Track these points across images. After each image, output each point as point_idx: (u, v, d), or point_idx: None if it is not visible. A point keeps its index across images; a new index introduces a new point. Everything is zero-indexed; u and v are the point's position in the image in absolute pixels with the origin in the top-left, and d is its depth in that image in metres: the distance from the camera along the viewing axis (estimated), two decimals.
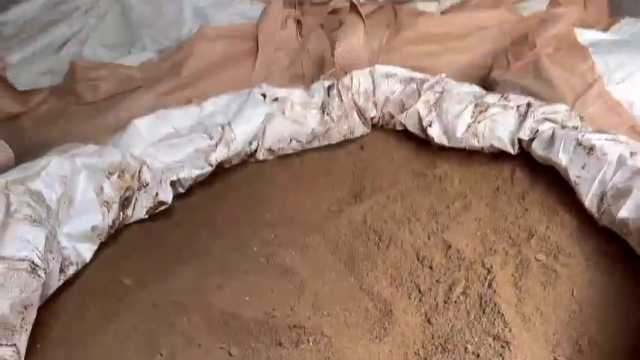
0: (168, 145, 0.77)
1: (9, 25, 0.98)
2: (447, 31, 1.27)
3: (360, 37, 0.96)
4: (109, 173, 0.66)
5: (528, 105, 0.74)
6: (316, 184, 0.85)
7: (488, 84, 1.09)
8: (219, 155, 0.78)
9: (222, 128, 0.79)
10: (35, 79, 0.91)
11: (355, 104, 0.87)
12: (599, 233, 0.65)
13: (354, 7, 0.97)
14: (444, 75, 0.84)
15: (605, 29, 1.14)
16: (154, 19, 1.11)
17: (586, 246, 0.64)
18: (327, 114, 0.86)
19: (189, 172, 0.75)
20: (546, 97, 0.94)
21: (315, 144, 0.88)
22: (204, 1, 1.18)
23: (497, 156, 0.79)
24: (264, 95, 0.85)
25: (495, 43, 1.24)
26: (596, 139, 0.64)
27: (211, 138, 0.79)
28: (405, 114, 0.84)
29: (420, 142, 0.87)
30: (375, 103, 0.87)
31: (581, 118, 0.71)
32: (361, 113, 0.87)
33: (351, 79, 0.87)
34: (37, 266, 0.53)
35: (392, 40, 1.30)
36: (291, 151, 0.88)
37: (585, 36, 1.02)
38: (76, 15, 1.05)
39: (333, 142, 0.88)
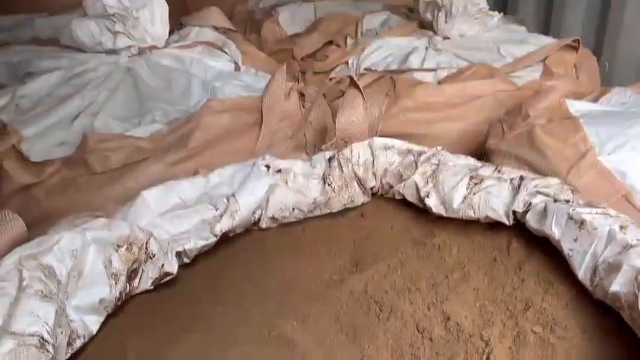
0: (174, 215, 0.80)
1: (26, 99, 1.03)
2: (443, 100, 1.33)
3: (360, 111, 1.00)
4: (117, 246, 0.69)
5: (521, 178, 0.77)
6: (318, 252, 0.87)
7: (484, 152, 1.12)
8: (223, 226, 0.80)
9: (227, 199, 0.82)
10: (49, 150, 0.95)
11: (355, 175, 0.90)
12: (595, 305, 0.66)
13: (353, 82, 1.02)
14: (439, 147, 0.88)
15: (596, 99, 1.18)
16: (164, 91, 1.16)
17: (582, 318, 0.65)
18: (329, 184, 0.89)
19: (195, 243, 0.78)
20: (541, 166, 0.97)
21: (317, 212, 0.91)
22: (211, 74, 1.24)
23: (494, 225, 0.82)
24: (267, 166, 0.88)
25: (490, 111, 1.29)
26: (586, 213, 0.67)
27: (216, 209, 0.82)
28: (403, 184, 0.87)
29: (419, 209, 0.90)
30: (374, 174, 0.91)
31: (573, 192, 0.74)
32: (361, 183, 0.90)
33: (351, 150, 0.91)
34: (47, 341, 0.55)
35: (391, 107, 1.35)
36: (293, 220, 0.90)
37: (577, 107, 1.07)
38: (89, 88, 1.10)
39: (334, 211, 0.91)
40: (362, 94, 1.00)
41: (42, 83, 1.10)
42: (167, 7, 1.31)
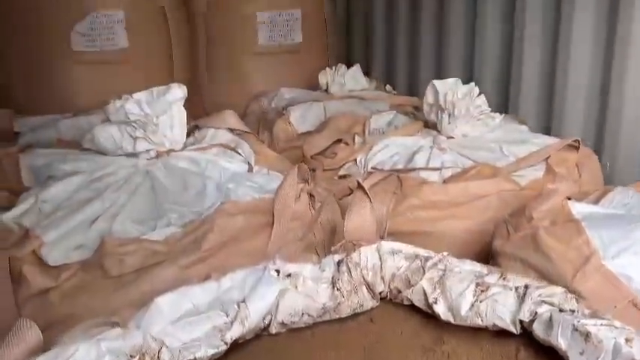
0: (186, 322, 0.81)
1: (48, 203, 1.08)
2: (448, 199, 1.37)
3: (367, 215, 1.04)
4: (130, 357, 0.70)
5: (526, 287, 0.78)
6: (327, 357, 0.87)
7: (490, 253, 1.14)
8: (234, 333, 0.81)
9: (238, 306, 0.84)
10: (67, 253, 0.99)
11: (364, 279, 0.92)
12: None
13: (360, 186, 1.06)
14: (445, 253, 0.90)
15: (599, 199, 1.21)
16: (180, 193, 1.21)
17: None
18: (338, 289, 0.91)
19: (206, 352, 0.79)
20: (546, 270, 0.98)
21: (326, 317, 0.91)
22: (225, 176, 1.29)
23: (502, 333, 0.82)
24: (277, 271, 0.91)
25: (495, 211, 1.32)
26: (591, 325, 0.68)
27: (227, 315, 0.83)
28: (411, 290, 0.89)
29: (428, 314, 0.91)
30: (382, 279, 0.92)
31: (578, 300, 0.75)
32: (370, 288, 0.92)
33: (360, 254, 0.93)
34: None
35: (398, 206, 1.39)
36: (302, 325, 0.91)
37: (579, 209, 1.10)
38: (109, 191, 1.15)
39: (343, 316, 0.91)
40: (369, 198, 1.04)
41: (63, 187, 1.16)
42: (185, 113, 1.40)
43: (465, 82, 1.58)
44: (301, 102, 2.24)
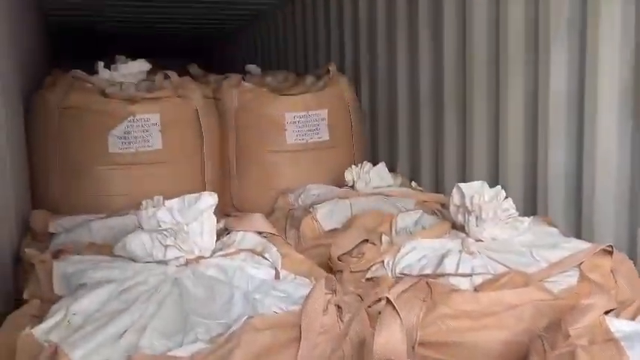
0: None
1: (78, 316, 1.09)
2: (480, 308, 1.33)
3: (397, 330, 1.02)
4: None
5: None
6: None
7: None
8: None
9: None
10: None
11: None
12: None
13: (389, 302, 1.04)
14: None
15: (637, 312, 1.17)
16: (208, 303, 1.21)
17: None
18: None
19: None
20: None
21: None
22: (252, 285, 1.29)
23: None
24: None
25: (529, 321, 1.28)
26: None
27: None
28: None
29: None
30: None
31: None
32: None
33: None
34: None
35: (428, 315, 1.36)
36: None
37: (618, 326, 1.06)
38: (138, 303, 1.16)
39: None
40: (398, 313, 1.02)
41: (93, 298, 1.17)
42: (215, 220, 1.42)
43: (490, 178, 1.59)
44: (328, 199, 2.27)
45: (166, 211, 1.36)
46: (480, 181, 1.65)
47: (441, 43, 2.44)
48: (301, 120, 2.62)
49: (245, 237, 1.56)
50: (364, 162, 2.42)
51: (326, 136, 2.68)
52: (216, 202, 1.42)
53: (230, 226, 1.62)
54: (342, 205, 2.21)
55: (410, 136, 2.77)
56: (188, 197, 1.40)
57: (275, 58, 4.81)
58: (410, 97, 2.74)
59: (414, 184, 2.57)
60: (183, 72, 2.81)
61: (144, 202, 1.85)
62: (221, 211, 2.45)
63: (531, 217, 1.69)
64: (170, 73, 2.49)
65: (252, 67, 3.68)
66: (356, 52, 3.19)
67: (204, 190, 2.43)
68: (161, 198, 1.82)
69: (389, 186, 2.42)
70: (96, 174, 2.25)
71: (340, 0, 3.34)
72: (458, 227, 1.73)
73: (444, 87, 2.47)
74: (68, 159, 2.25)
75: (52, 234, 1.93)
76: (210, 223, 1.40)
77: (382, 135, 3.00)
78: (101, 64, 2.52)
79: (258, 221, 1.64)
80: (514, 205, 1.61)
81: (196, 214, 1.37)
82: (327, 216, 2.15)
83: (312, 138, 2.65)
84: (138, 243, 1.36)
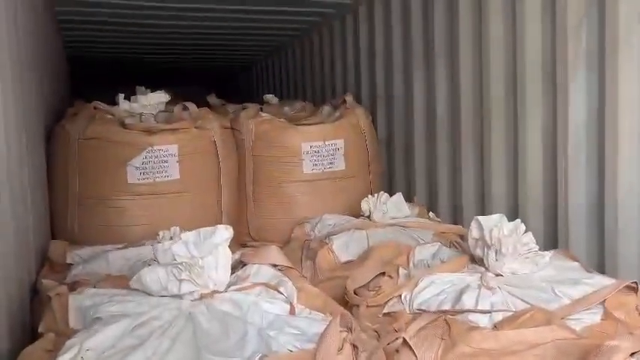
0: None
1: (91, 351, 1.09)
2: (501, 347, 1.30)
3: None
4: None
5: None
6: None
7: None
8: None
9: None
10: None
11: None
12: None
13: (405, 342, 1.02)
14: None
15: None
16: (221, 339, 1.20)
17: None
18: None
19: None
20: None
21: None
22: (266, 321, 1.28)
23: None
24: None
25: None
26: None
27: None
28: None
29: None
30: None
31: None
32: None
33: None
34: None
35: (447, 353, 1.33)
36: None
37: None
38: (152, 338, 1.15)
39: None
40: (415, 355, 0.99)
41: (107, 334, 1.16)
42: (230, 254, 1.42)
43: (509, 210, 1.56)
44: (344, 229, 2.25)
45: (182, 245, 1.36)
46: (498, 214, 1.62)
47: (458, 73, 2.44)
48: (318, 150, 2.62)
49: (260, 270, 1.55)
50: (381, 192, 2.40)
51: (342, 166, 2.68)
52: (232, 236, 1.41)
53: (245, 259, 1.61)
54: (358, 236, 2.19)
55: (427, 166, 2.76)
56: (204, 231, 1.40)
57: (293, 87, 4.87)
58: (427, 127, 2.74)
59: (431, 214, 2.54)
60: (202, 101, 2.85)
61: (160, 233, 1.86)
62: (237, 241, 2.45)
63: (552, 250, 1.65)
64: (189, 104, 2.52)
65: (269, 97, 3.72)
66: (372, 81, 3.21)
67: (221, 219, 2.46)
68: (177, 229, 1.83)
69: (406, 217, 2.39)
70: (114, 204, 2.27)
71: (357, 31, 3.37)
72: (477, 261, 1.70)
73: (460, 117, 2.46)
74: (87, 189, 2.27)
75: (70, 264, 1.94)
76: (225, 257, 1.39)
77: (399, 164, 2.99)
78: (121, 95, 2.57)
79: (274, 254, 1.62)
80: (534, 239, 1.58)
81: (211, 248, 1.37)
82: (343, 247, 2.13)
83: (329, 168, 2.65)
84: (153, 277, 1.36)
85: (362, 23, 3.27)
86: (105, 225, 2.25)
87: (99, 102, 2.43)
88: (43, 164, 2.28)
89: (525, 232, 1.57)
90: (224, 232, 1.40)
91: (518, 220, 1.59)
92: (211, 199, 2.46)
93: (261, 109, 2.91)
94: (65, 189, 2.30)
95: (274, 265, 1.60)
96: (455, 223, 2.42)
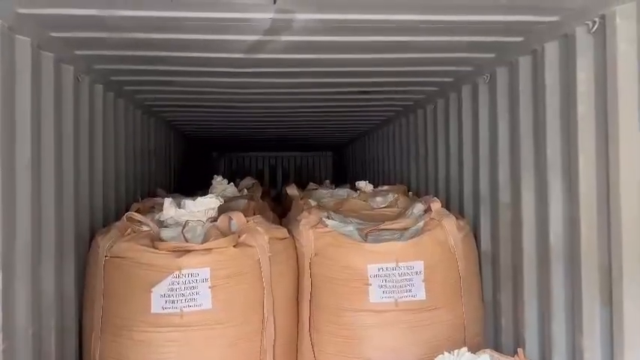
0: None
1: None
2: None
3: None
4: None
5: None
6: None
7: None
8: None
9: None
10: None
11: None
12: None
13: None
14: None
15: None
16: None
17: None
18: None
19: None
20: None
21: None
22: None
23: None
24: None
25: None
26: None
27: None
28: None
29: None
30: None
31: None
32: None
33: None
34: None
35: None
36: None
37: None
38: None
39: None
40: None
41: None
42: None
43: None
44: None
45: None
46: None
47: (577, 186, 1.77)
48: (389, 273, 2.07)
49: None
50: (463, 349, 1.76)
51: (422, 295, 2.09)
52: None
53: None
54: None
55: (540, 302, 2.05)
56: None
57: (391, 171, 4.40)
58: (539, 247, 2.05)
59: None
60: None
61: None
62: None
63: None
64: (235, 214, 2.14)
65: (362, 185, 3.29)
66: (476, 180, 2.57)
67: (265, 357, 1.99)
68: None
69: None
70: (136, 337, 1.92)
71: (459, 120, 2.78)
72: None
73: (580, 238, 1.77)
74: (109, 318, 1.97)
75: None
76: None
77: (505, 289, 2.29)
78: (168, 200, 2.29)
79: None
80: None
81: None
82: None
83: (404, 297, 2.08)
84: None
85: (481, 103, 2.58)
86: None
87: (133, 212, 2.15)
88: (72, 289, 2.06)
89: None
90: None
91: None
92: (252, 333, 2.01)
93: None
94: (91, 315, 2.01)
95: None
96: None
